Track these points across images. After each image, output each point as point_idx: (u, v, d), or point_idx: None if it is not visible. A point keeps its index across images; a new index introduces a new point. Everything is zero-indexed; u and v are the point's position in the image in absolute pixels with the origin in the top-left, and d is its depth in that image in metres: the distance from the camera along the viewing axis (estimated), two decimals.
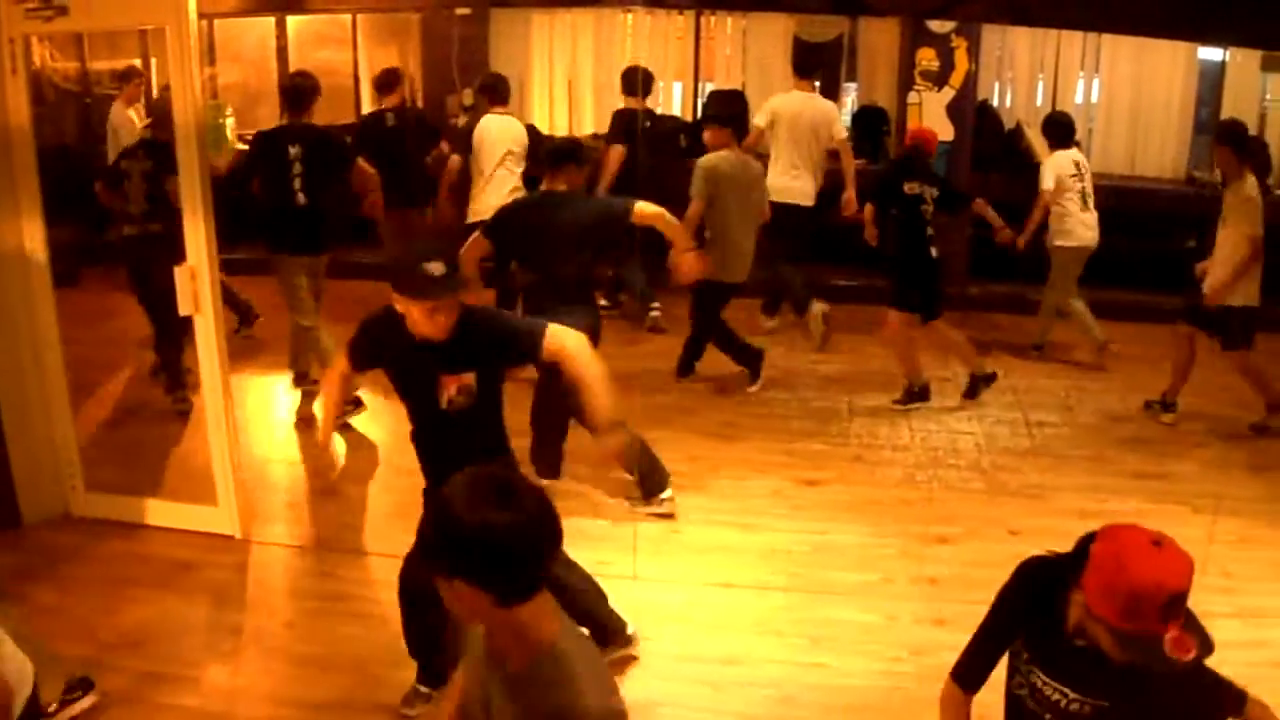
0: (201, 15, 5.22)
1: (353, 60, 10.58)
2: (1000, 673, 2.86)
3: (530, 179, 7.79)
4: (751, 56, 10.54)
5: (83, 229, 8.27)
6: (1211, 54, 10.06)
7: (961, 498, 6.29)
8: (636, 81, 8.74)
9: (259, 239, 7.04)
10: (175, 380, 7.01)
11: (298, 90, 6.95)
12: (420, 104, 10.00)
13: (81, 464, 5.80)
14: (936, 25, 9.40)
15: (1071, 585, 2.50)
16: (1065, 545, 2.59)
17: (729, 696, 4.48)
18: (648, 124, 8.79)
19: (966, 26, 9.38)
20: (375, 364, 4.12)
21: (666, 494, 5.94)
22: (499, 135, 8.14)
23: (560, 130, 10.47)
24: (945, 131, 9.32)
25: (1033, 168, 9.29)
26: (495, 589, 2.06)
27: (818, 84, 8.85)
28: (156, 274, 5.38)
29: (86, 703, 4.21)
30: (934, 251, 7.29)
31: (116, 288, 7.48)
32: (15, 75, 5.29)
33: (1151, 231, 9.56)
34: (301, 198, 6.86)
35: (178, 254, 5.28)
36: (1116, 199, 8.76)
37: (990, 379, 7.55)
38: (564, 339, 3.86)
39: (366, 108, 9.50)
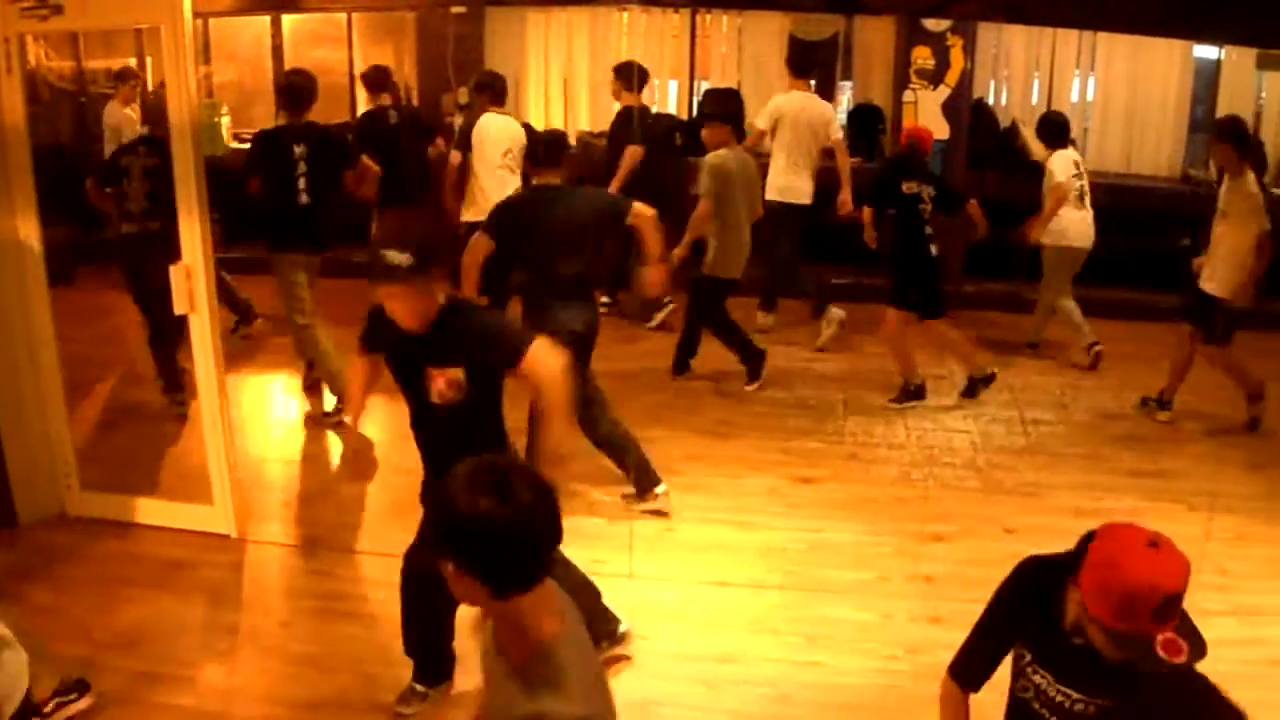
0: (196, 14, 5.22)
1: (348, 59, 10.57)
2: (1000, 673, 2.86)
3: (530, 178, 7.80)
4: (747, 54, 10.54)
5: (78, 228, 8.26)
6: (1207, 52, 10.07)
7: (957, 496, 6.29)
8: (633, 76, 8.77)
9: (258, 238, 7.05)
10: (172, 382, 7.00)
11: (300, 90, 6.95)
12: (415, 102, 9.99)
13: (77, 463, 5.79)
14: (932, 24, 9.40)
15: (1070, 584, 2.51)
16: (1061, 543, 2.59)
17: (724, 695, 4.48)
18: (648, 121, 8.83)
19: (962, 25, 9.39)
20: (380, 350, 4.17)
21: (661, 489, 5.95)
22: (499, 134, 8.14)
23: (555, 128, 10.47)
24: (941, 130, 9.32)
25: (1028, 166, 9.33)
26: (491, 579, 2.07)
27: (813, 83, 8.85)
28: (154, 272, 5.36)
29: (83, 704, 4.20)
30: (933, 250, 7.30)
31: (111, 286, 7.47)
32: (10, 74, 5.29)
33: (1147, 230, 9.57)
34: (305, 197, 6.88)
35: (176, 253, 5.28)
36: (1112, 197, 8.76)
37: (989, 379, 7.55)
38: (545, 361, 3.88)
39: (362, 106, 9.49)
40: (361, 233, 8.51)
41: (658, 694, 4.41)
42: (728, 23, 10.70)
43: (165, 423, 6.92)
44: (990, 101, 10.27)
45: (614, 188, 8.32)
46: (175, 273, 5.21)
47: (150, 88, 9.95)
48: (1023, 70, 10.36)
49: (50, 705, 4.06)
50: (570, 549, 4.24)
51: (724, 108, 7.51)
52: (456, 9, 9.73)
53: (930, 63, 9.49)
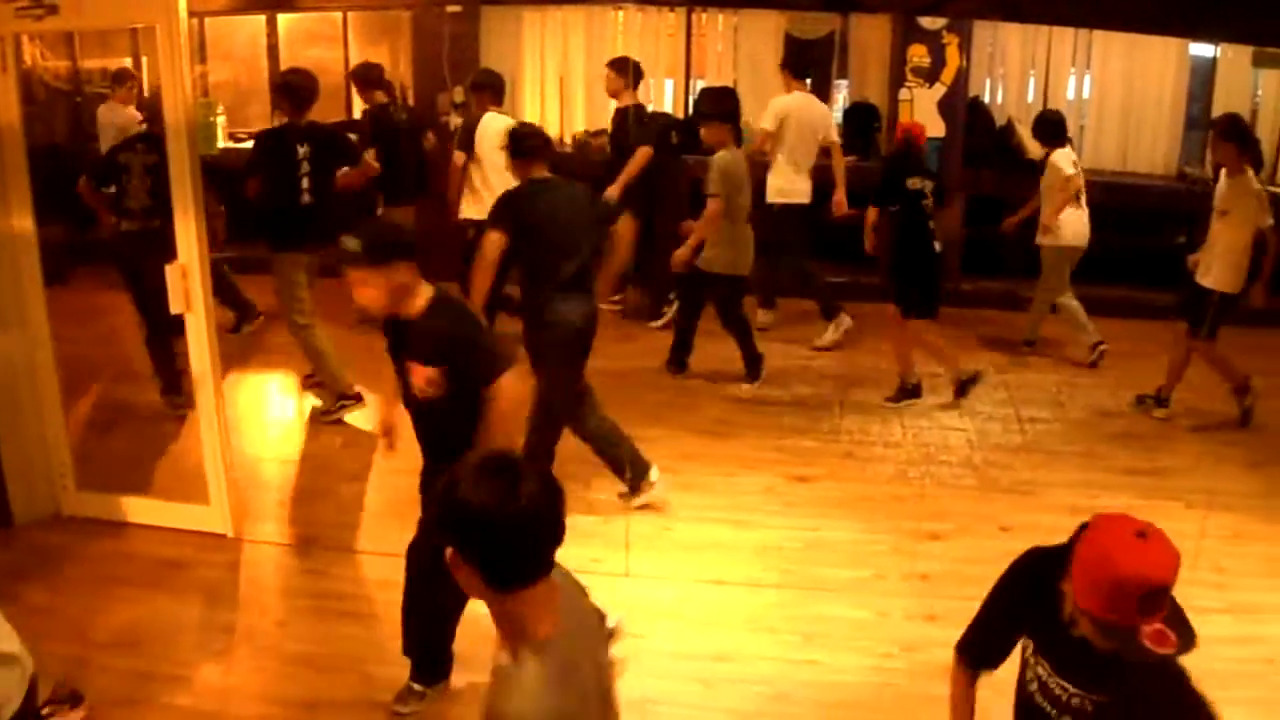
0: (192, 14, 5.21)
1: (344, 58, 10.54)
2: (1001, 674, 2.86)
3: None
4: (743, 53, 10.53)
5: (73, 228, 8.25)
6: (1203, 50, 10.07)
7: (953, 494, 6.30)
8: (630, 73, 8.79)
9: (258, 237, 7.06)
10: (171, 383, 6.97)
11: (302, 89, 6.96)
12: (411, 101, 9.99)
13: (72, 463, 5.79)
14: (928, 22, 9.42)
15: (1064, 575, 2.51)
16: (1057, 542, 2.59)
17: (721, 693, 4.48)
18: (645, 120, 8.84)
19: (958, 23, 9.41)
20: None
21: (654, 475, 5.96)
22: (501, 134, 8.12)
23: (552, 127, 10.47)
24: (937, 128, 9.34)
25: (1024, 164, 9.34)
26: (488, 570, 2.08)
27: (809, 82, 8.86)
28: (154, 271, 5.35)
29: (75, 717, 4.18)
30: (937, 247, 7.32)
31: (106, 286, 7.47)
32: (5, 74, 5.28)
33: (1143, 227, 9.59)
34: (307, 197, 6.91)
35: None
36: (1108, 195, 8.77)
37: (975, 379, 7.54)
38: (510, 394, 3.93)
39: (358, 105, 9.48)
40: None
41: (655, 693, 4.41)
42: (723, 21, 10.69)
43: (161, 422, 6.91)
44: (986, 99, 10.26)
45: (618, 188, 8.34)
46: (171, 272, 5.21)
47: (148, 88, 9.94)
48: (1018, 68, 10.36)
49: (45, 710, 4.04)
50: (566, 548, 4.24)
51: (722, 107, 7.53)
52: (452, 8, 9.72)
53: (926, 61, 9.50)
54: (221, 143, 10.30)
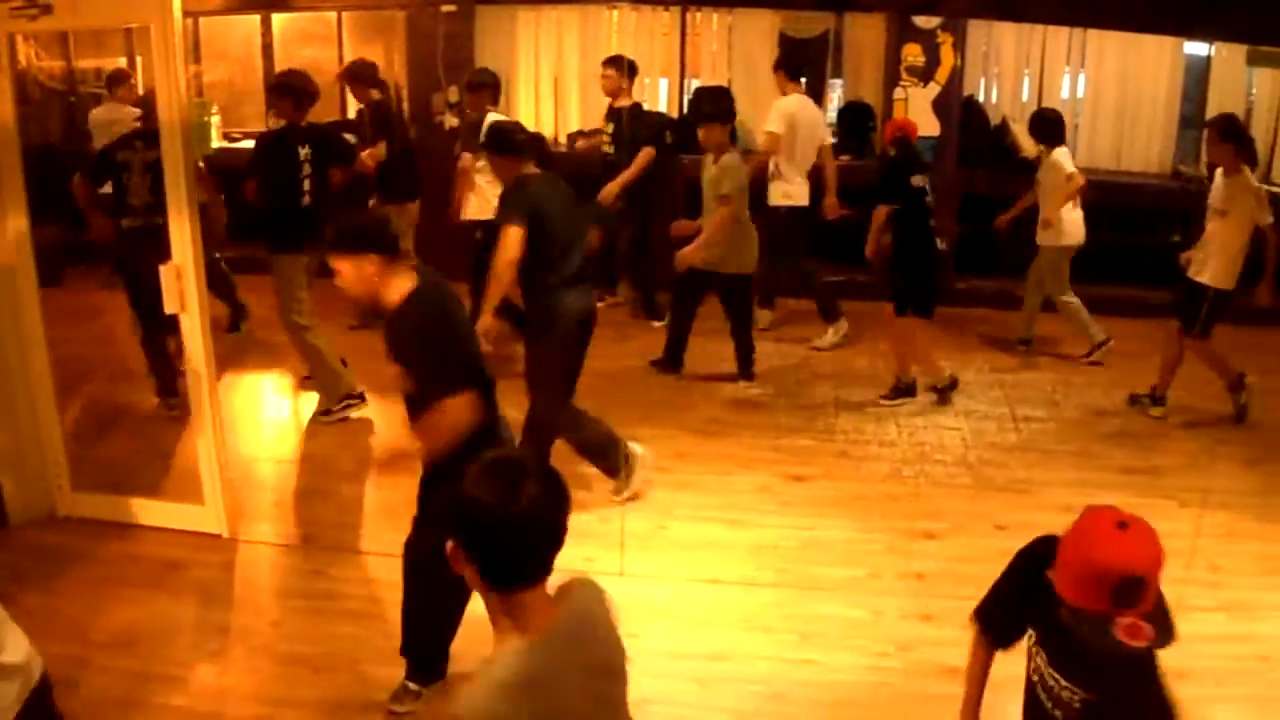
0: (186, 13, 5.22)
1: (338, 58, 10.51)
2: (1001, 672, 2.87)
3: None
4: (737, 52, 10.53)
5: (67, 228, 8.23)
6: (1197, 49, 10.08)
7: (948, 493, 6.30)
8: (625, 69, 8.81)
9: (256, 238, 7.05)
10: (167, 385, 6.95)
11: (303, 91, 6.97)
12: (405, 101, 9.99)
13: (68, 463, 5.78)
14: (923, 21, 9.42)
15: (1052, 564, 2.53)
16: None
17: (717, 693, 4.49)
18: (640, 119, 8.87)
19: (952, 22, 9.41)
20: None
21: (638, 449, 6.01)
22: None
23: (546, 127, 10.47)
24: (931, 127, 9.36)
25: (1018, 163, 9.34)
26: (484, 567, 2.11)
27: (804, 81, 8.86)
28: (155, 268, 5.33)
29: None
30: (940, 244, 7.33)
31: (101, 287, 7.46)
32: (1, 74, 5.27)
33: (1137, 226, 9.60)
34: (308, 198, 6.91)
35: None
36: (1102, 194, 8.76)
37: (953, 385, 7.53)
38: (452, 419, 3.92)
39: (352, 105, 9.48)
40: None
41: (650, 692, 4.39)
42: (718, 20, 10.68)
43: (156, 423, 6.90)
44: (980, 99, 10.26)
45: (618, 185, 8.45)
46: (166, 272, 5.21)
47: (142, 88, 9.92)
48: (1013, 67, 10.36)
49: None
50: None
51: (720, 107, 7.54)
52: (447, 7, 9.72)
53: (920, 60, 9.50)
54: (216, 142, 10.28)
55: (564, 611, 2.20)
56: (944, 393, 7.47)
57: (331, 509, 6.03)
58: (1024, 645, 2.85)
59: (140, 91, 9.53)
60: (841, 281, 9.11)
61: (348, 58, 9.92)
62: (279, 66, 9.87)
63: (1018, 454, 6.80)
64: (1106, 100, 10.21)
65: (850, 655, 4.74)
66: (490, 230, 6.39)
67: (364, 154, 7.77)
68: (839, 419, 7.27)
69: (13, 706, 2.84)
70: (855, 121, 10.04)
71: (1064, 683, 2.64)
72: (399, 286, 3.97)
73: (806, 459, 6.67)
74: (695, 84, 10.44)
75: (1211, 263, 6.96)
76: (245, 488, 6.05)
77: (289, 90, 7.01)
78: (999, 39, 10.20)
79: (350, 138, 7.98)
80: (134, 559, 5.41)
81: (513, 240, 5.53)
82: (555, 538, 2.14)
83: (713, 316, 7.82)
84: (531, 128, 8.71)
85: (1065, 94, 10.38)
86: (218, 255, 7.93)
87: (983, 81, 10.36)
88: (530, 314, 5.81)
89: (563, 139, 10.47)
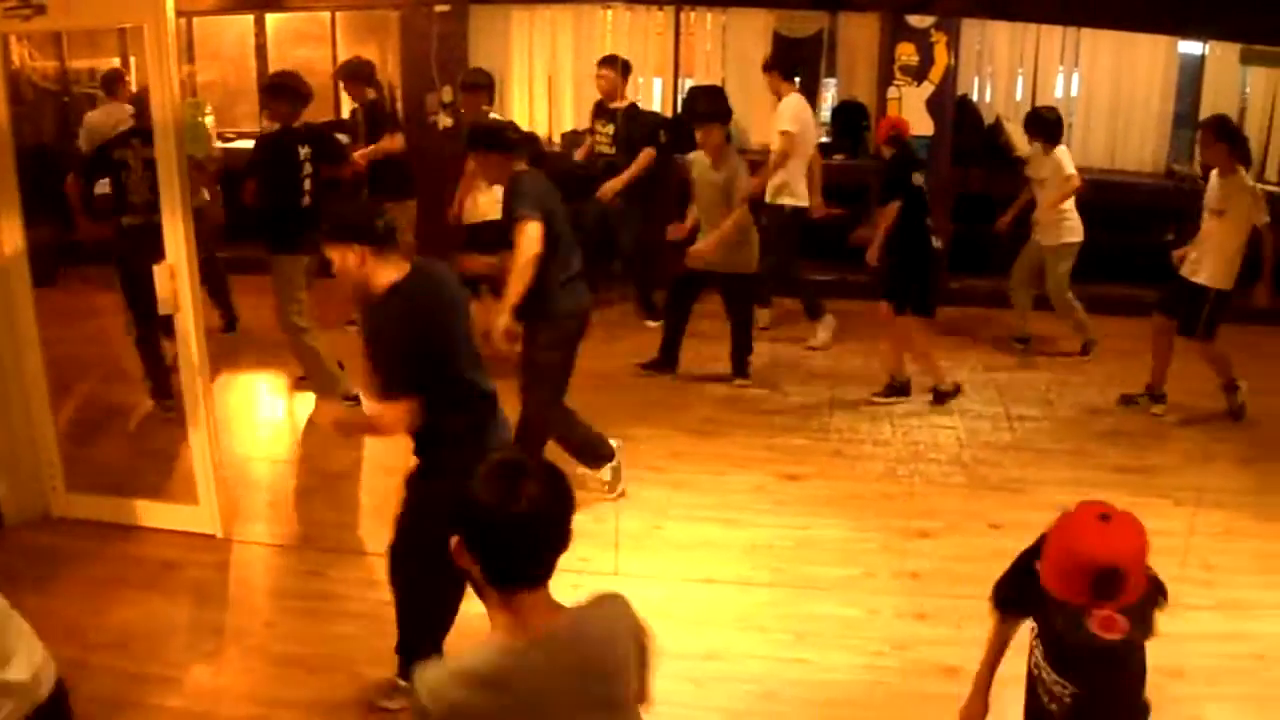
0: (180, 13, 5.22)
1: (332, 58, 10.51)
2: (1002, 671, 2.87)
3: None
4: (732, 52, 10.52)
5: (61, 228, 8.21)
6: (1191, 48, 10.09)
7: (942, 492, 6.31)
8: (620, 68, 8.81)
9: (255, 238, 7.04)
10: (162, 386, 6.93)
11: (298, 91, 6.98)
12: (399, 101, 9.99)
13: (62, 464, 5.77)
14: (916, 20, 9.42)
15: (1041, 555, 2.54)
16: None
17: (711, 692, 4.49)
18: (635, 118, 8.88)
19: (946, 21, 9.41)
20: None
21: (615, 444, 6.03)
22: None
23: (540, 127, 10.47)
24: (925, 126, 9.35)
25: (1012, 162, 9.34)
26: (484, 565, 2.13)
27: (798, 81, 8.87)
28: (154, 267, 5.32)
29: None
30: (936, 243, 7.34)
31: (95, 287, 7.45)
32: None
33: (1131, 225, 9.60)
34: (308, 199, 6.92)
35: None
36: (1096, 193, 8.75)
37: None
38: (396, 418, 3.95)
39: (346, 105, 9.47)
40: None
41: None
42: (712, 20, 10.68)
43: (150, 423, 6.89)
44: (974, 98, 10.27)
45: (620, 183, 8.49)
46: (159, 272, 5.20)
47: (135, 87, 9.90)
48: (1006, 66, 10.36)
49: None
50: None
51: (717, 107, 7.54)
52: (440, 7, 9.71)
53: (914, 59, 9.50)
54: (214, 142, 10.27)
55: (569, 618, 2.20)
56: (943, 396, 7.46)
57: (326, 509, 6.03)
58: (1027, 641, 2.86)
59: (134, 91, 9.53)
60: (832, 280, 9.12)
61: (341, 58, 9.92)
62: (273, 67, 9.87)
63: (1012, 453, 6.81)
64: (1100, 99, 10.21)
65: (845, 654, 4.74)
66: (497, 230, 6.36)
67: (368, 149, 7.78)
68: (833, 418, 7.27)
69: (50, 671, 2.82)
70: (849, 121, 10.03)
71: (1054, 676, 2.65)
72: (385, 278, 3.96)
73: (801, 458, 6.67)
74: (689, 84, 10.44)
75: (1207, 262, 6.96)
76: (240, 488, 6.04)
77: (286, 91, 7.01)
78: (993, 38, 10.20)
79: (343, 138, 7.97)
80: (128, 560, 5.40)
81: (535, 235, 5.45)
82: (557, 539, 2.15)
83: (704, 317, 7.82)
84: (525, 127, 8.73)
85: (1059, 93, 10.38)
86: (217, 255, 7.94)
87: (976, 80, 10.37)
88: (530, 312, 5.79)
89: (556, 139, 10.46)
